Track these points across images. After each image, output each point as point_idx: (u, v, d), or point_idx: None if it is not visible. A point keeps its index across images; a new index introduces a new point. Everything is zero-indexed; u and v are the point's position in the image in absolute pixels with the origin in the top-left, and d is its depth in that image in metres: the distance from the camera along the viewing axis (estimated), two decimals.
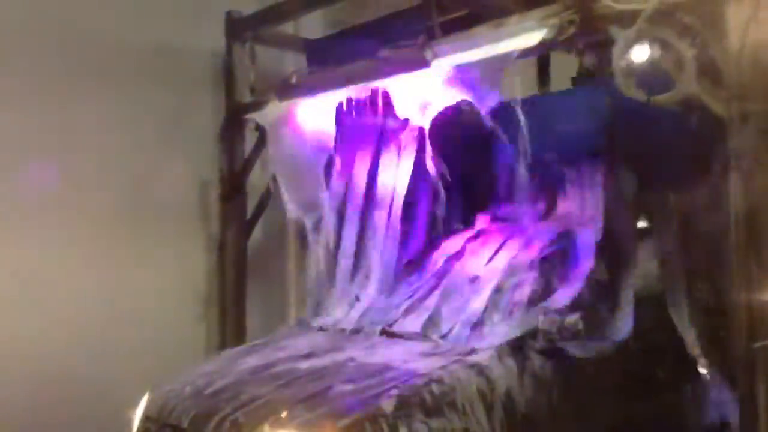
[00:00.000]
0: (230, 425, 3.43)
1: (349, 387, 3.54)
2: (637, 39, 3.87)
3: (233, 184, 6.63)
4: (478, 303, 4.29)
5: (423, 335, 4.23)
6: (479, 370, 3.73)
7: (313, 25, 6.87)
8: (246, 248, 6.68)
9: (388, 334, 4.32)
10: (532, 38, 4.12)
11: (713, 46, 3.79)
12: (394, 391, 3.44)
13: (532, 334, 3.98)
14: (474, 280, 4.53)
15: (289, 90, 5.40)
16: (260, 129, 6.13)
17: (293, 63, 6.64)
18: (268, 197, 6.60)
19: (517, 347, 3.95)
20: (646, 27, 3.83)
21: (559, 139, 4.47)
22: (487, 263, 4.60)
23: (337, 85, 4.97)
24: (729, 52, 3.73)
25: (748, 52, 3.70)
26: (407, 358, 3.85)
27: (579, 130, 4.48)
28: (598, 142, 4.47)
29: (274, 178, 6.30)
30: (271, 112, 5.71)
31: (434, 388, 3.53)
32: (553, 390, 3.98)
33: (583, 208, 4.68)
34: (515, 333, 4.02)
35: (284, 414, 3.37)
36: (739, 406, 3.72)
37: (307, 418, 3.33)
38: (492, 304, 4.24)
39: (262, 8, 6.46)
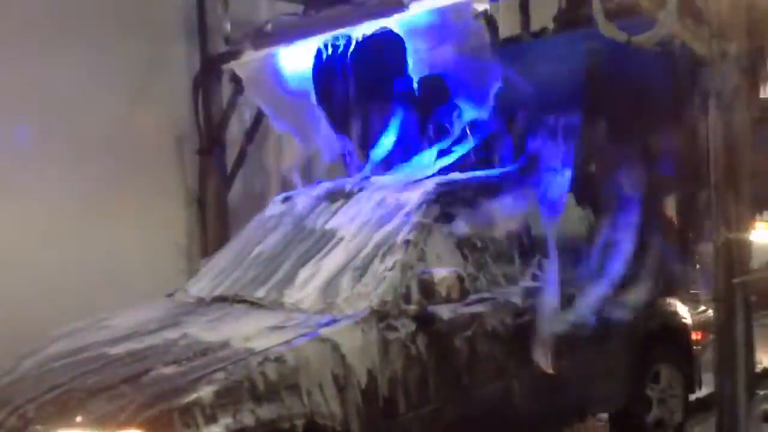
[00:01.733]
0: (17, 419, 2.95)
1: (169, 370, 3.02)
2: None
3: (211, 137, 6.53)
4: (340, 263, 3.77)
5: (281, 303, 3.67)
6: (333, 345, 3.24)
7: None
8: (227, 202, 6.62)
9: (242, 302, 3.81)
10: None
11: None
12: (220, 375, 2.94)
13: (404, 297, 3.54)
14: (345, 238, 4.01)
15: (264, 38, 5.28)
16: (236, 79, 6.00)
17: (268, 10, 6.49)
18: (247, 149, 6.55)
19: (382, 315, 3.44)
20: None
21: (539, 85, 4.40)
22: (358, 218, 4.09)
23: (313, 32, 4.87)
24: None
25: None
26: (252, 332, 3.31)
27: (558, 76, 4.42)
28: (576, 87, 4.40)
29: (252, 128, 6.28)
30: (246, 61, 5.57)
31: (270, 369, 3.02)
32: (427, 365, 3.55)
33: (552, 155, 4.51)
34: (383, 298, 3.49)
35: (78, 409, 2.89)
36: (717, 341, 3.79)
37: (104, 412, 2.82)
38: (361, 265, 3.69)
39: None
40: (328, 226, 4.09)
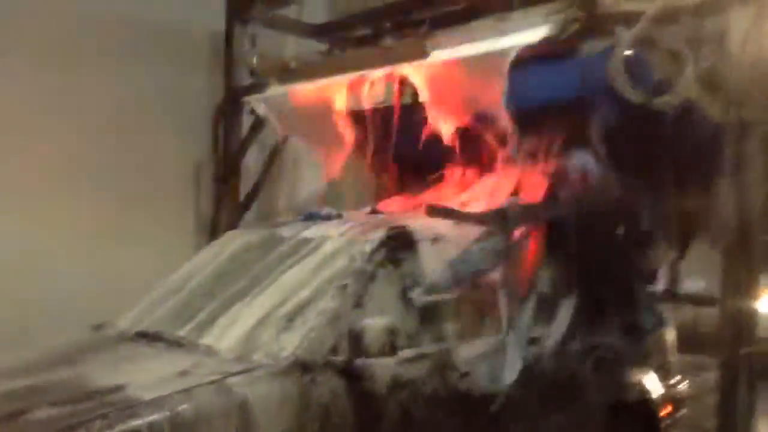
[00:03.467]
0: None
1: (44, 413, 2.68)
2: (639, 40, 3.88)
3: (229, 166, 6.62)
4: (270, 307, 3.46)
5: (198, 345, 3.35)
6: (242, 399, 2.84)
7: (316, 10, 6.86)
8: None
9: (161, 339, 3.50)
10: (535, 34, 4.11)
11: (714, 52, 3.81)
12: (98, 423, 2.58)
13: (332, 350, 3.17)
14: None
15: (289, 74, 5.38)
16: (257, 112, 6.09)
17: (294, 46, 6.62)
18: (264, 180, 6.63)
19: (305, 368, 3.07)
20: (649, 28, 3.83)
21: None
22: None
23: (337, 71, 4.95)
24: (730, 59, 3.74)
25: (748, 59, 3.71)
26: (154, 377, 2.96)
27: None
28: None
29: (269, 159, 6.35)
30: (270, 95, 5.67)
31: (160, 421, 2.64)
32: (353, 430, 3.16)
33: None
34: (308, 348, 3.13)
35: None
36: (718, 410, 3.75)
37: None
38: (290, 311, 3.38)
39: None
40: (265, 266, 3.78)
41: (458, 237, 3.95)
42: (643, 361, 4.62)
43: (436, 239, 3.86)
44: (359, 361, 3.19)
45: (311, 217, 4.35)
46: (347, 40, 6.14)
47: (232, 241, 4.31)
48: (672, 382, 4.86)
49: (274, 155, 6.50)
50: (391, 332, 3.23)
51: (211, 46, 6.82)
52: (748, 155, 3.72)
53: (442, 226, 4.03)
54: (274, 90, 5.70)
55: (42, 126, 5.74)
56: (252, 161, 6.83)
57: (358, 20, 6.15)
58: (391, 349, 3.23)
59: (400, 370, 3.36)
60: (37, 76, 5.71)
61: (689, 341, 6.49)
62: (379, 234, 3.72)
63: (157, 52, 6.40)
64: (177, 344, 3.42)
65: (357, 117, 4.89)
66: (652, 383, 4.61)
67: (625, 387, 4.48)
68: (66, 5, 5.86)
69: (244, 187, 6.70)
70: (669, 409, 4.68)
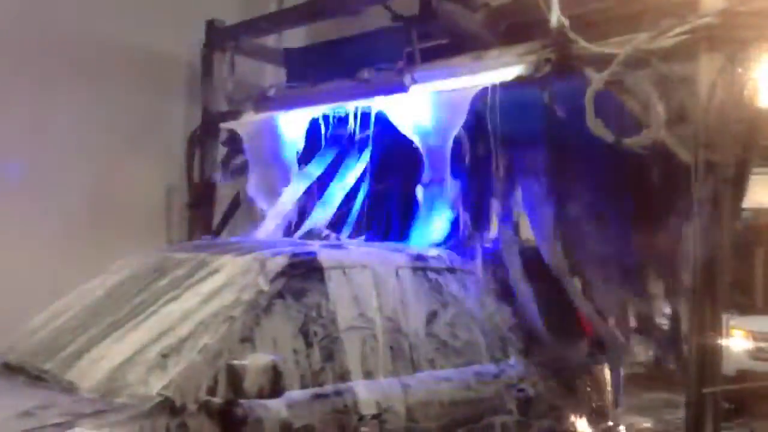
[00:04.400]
0: None
1: None
2: (610, 82, 3.97)
3: (203, 192, 6.59)
4: (147, 340, 3.13)
5: (61, 380, 3.05)
6: None
7: (295, 39, 6.91)
8: None
9: (24, 373, 3.18)
10: (509, 73, 4.19)
11: (683, 95, 3.90)
12: None
13: (210, 390, 2.88)
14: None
15: (266, 102, 5.41)
16: (229, 139, 6.11)
17: (272, 75, 6.66)
18: (237, 205, 6.60)
19: (175, 410, 2.76)
20: (619, 71, 3.92)
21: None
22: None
23: (315, 102, 5.00)
24: (698, 102, 3.84)
25: (716, 103, 3.81)
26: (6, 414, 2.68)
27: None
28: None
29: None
30: (245, 122, 5.69)
31: None
32: None
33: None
34: (180, 387, 2.83)
35: None
36: None
37: None
38: (168, 345, 3.05)
39: (244, 19, 6.47)
40: (152, 293, 3.46)
41: (379, 266, 3.72)
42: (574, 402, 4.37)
43: (350, 267, 3.60)
44: (246, 404, 2.89)
45: (309, 236, 4.37)
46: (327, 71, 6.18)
47: (129, 265, 3.95)
48: (608, 424, 4.59)
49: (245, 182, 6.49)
50: (274, 371, 2.87)
51: (189, 72, 6.83)
52: (714, 196, 3.80)
53: (363, 253, 3.83)
54: (250, 118, 5.72)
55: (13, 147, 5.68)
56: (226, 188, 6.81)
57: (336, 50, 6.19)
58: (274, 390, 2.88)
59: (292, 413, 3.04)
60: (10, 96, 5.67)
61: (660, 379, 6.59)
62: (280, 261, 3.38)
63: (134, 77, 6.41)
64: (39, 379, 3.10)
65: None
66: (582, 426, 4.35)
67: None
68: (44, 28, 5.84)
69: (218, 214, 6.67)
70: None
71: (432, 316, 3.83)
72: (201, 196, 6.60)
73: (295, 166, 5.24)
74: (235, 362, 2.88)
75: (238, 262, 3.46)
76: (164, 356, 2.98)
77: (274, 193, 5.30)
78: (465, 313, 4.01)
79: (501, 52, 4.30)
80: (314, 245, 3.86)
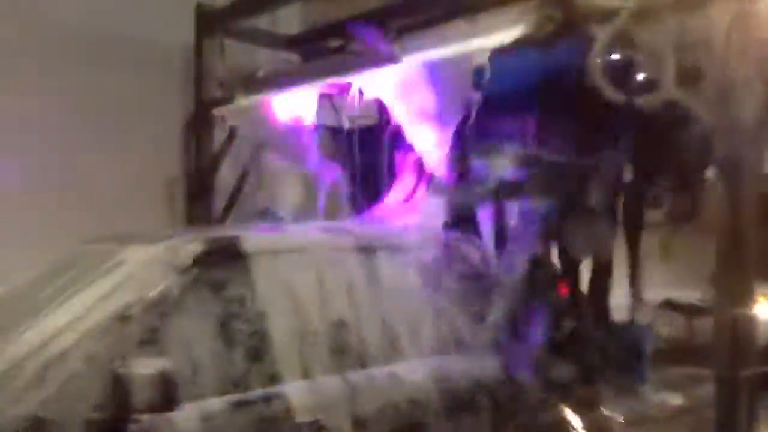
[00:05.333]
0: None
1: None
2: (618, 38, 3.67)
3: (201, 182, 6.38)
4: (27, 349, 2.70)
5: None
6: None
7: (288, 21, 6.66)
8: None
9: None
10: (508, 34, 3.90)
11: (697, 48, 3.60)
12: None
13: (96, 403, 2.50)
14: None
15: (256, 84, 5.17)
16: (228, 125, 5.90)
17: (265, 58, 6.41)
18: (238, 195, 6.40)
19: (43, 428, 2.43)
20: (628, 26, 3.63)
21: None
22: None
23: (306, 80, 4.75)
24: (713, 55, 3.53)
25: (733, 54, 3.51)
26: None
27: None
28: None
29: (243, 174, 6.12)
30: (238, 106, 5.47)
31: None
32: None
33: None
34: (56, 402, 2.47)
35: None
36: (717, 427, 3.50)
37: None
38: (50, 353, 2.63)
39: (233, 1, 6.23)
40: (47, 296, 3.03)
41: (322, 250, 3.27)
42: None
43: (281, 252, 3.14)
44: (146, 419, 2.48)
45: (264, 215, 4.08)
46: (320, 51, 5.93)
47: (54, 260, 3.53)
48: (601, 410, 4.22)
49: (248, 168, 6.27)
50: (164, 378, 2.47)
51: (184, 58, 6.61)
52: (735, 158, 3.50)
53: (303, 236, 3.40)
54: (243, 101, 5.50)
55: (7, 138, 5.51)
56: (227, 175, 6.61)
57: (331, 31, 5.94)
58: (167, 401, 2.48)
59: (206, 427, 2.65)
60: (1, 84, 5.50)
61: (685, 353, 6.28)
62: (192, 249, 2.93)
63: (127, 65, 6.20)
64: None
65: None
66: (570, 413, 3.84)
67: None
68: (36, 16, 5.69)
69: (220, 203, 6.47)
70: None
71: (389, 305, 3.32)
72: (199, 186, 6.38)
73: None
74: (121, 371, 2.48)
75: (144, 252, 3.01)
76: (46, 368, 2.56)
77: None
78: (429, 301, 3.48)
79: (498, 12, 4.00)
80: (247, 228, 3.50)
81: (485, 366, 3.50)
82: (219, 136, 6.30)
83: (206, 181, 6.37)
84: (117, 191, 6.13)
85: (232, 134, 5.98)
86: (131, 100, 6.20)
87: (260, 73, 5.21)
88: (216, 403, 2.72)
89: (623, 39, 3.69)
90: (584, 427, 3.65)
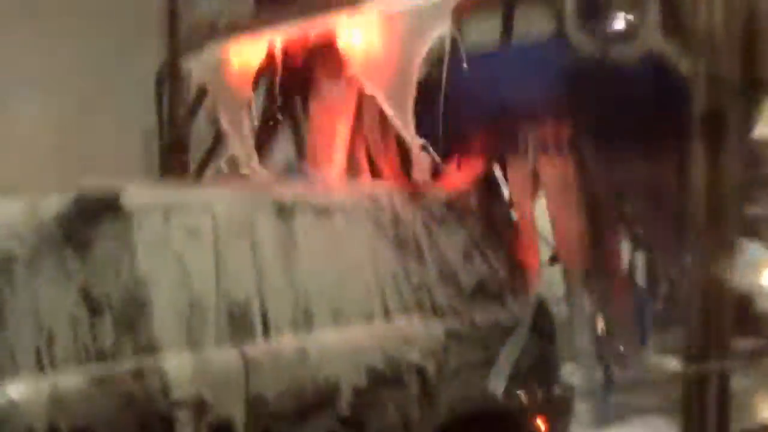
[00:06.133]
0: None
1: None
2: None
3: (175, 134, 6.12)
4: None
5: None
6: None
7: None
8: None
9: None
10: None
11: None
12: None
13: None
14: None
15: (217, 33, 4.87)
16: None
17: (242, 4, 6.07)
18: (216, 148, 6.15)
19: None
20: None
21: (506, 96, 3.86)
22: None
23: (265, 26, 4.43)
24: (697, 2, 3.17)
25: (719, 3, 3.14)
26: None
27: (530, 87, 3.86)
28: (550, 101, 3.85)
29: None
30: (205, 56, 5.17)
31: None
32: None
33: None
34: None
35: None
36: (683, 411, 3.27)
37: None
38: None
39: None
40: None
41: (229, 208, 2.89)
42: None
43: (174, 211, 2.77)
44: None
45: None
46: None
47: None
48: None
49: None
50: None
51: (158, 6, 6.29)
52: (719, 114, 3.17)
53: (206, 193, 3.06)
54: (210, 52, 5.19)
55: None
56: (205, 127, 6.35)
57: None
58: None
59: (58, 407, 2.37)
60: None
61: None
62: (56, 204, 2.59)
63: (97, 12, 5.95)
64: None
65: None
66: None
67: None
68: None
69: (197, 156, 6.23)
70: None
71: (307, 274, 2.98)
72: (173, 139, 6.13)
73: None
74: None
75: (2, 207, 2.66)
76: None
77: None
78: (350, 261, 3.12)
79: None
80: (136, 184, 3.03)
81: (418, 335, 3.16)
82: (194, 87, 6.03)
83: (180, 134, 6.11)
84: (90, 142, 5.96)
85: (203, 87, 5.68)
86: (105, 48, 5.99)
87: (221, 22, 4.89)
88: (70, 379, 2.43)
89: None
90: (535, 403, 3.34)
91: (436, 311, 3.23)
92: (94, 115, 6.01)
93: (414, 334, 3.15)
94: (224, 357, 2.74)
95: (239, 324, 2.78)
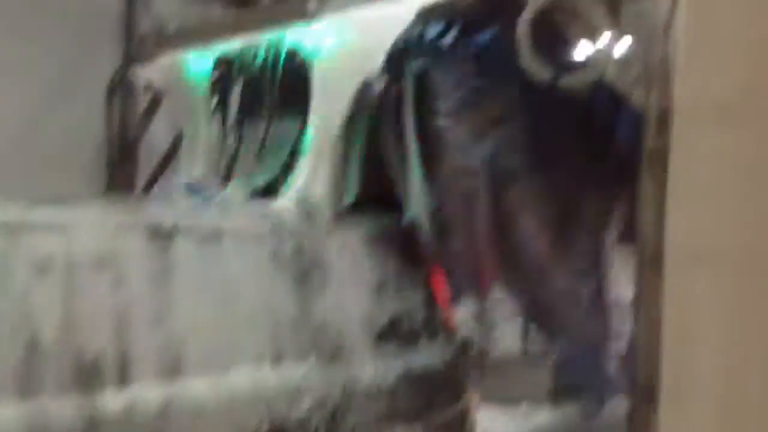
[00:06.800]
0: None
1: None
2: (549, 3, 3.22)
3: (123, 148, 5.92)
4: None
5: None
6: None
7: None
8: None
9: None
10: None
11: (635, 24, 3.14)
12: None
13: None
14: None
15: (167, 40, 4.72)
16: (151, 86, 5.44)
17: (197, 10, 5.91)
18: (166, 165, 5.93)
19: None
20: None
21: None
22: None
23: (216, 36, 4.29)
24: (654, 34, 3.07)
25: (677, 32, 3.05)
26: None
27: None
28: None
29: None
30: (158, 65, 5.01)
31: None
32: None
33: None
34: None
35: None
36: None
37: None
38: None
39: None
40: None
41: (87, 229, 2.53)
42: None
43: (18, 232, 2.39)
44: None
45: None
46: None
47: None
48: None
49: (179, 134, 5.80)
50: None
51: (115, 11, 6.13)
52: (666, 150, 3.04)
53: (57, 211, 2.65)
54: (165, 59, 5.03)
55: None
56: (159, 143, 6.14)
57: None
58: None
59: None
60: None
61: None
62: None
63: (52, 14, 5.74)
64: None
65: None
66: None
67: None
68: None
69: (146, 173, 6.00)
70: None
71: (180, 308, 2.65)
72: (122, 153, 5.92)
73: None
74: None
75: None
76: None
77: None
78: (237, 297, 2.81)
79: None
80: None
81: (311, 385, 2.82)
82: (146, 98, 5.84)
83: (129, 148, 5.90)
84: (37, 151, 5.69)
85: (156, 97, 5.50)
86: (58, 53, 5.75)
87: (171, 29, 4.74)
88: None
89: (556, 6, 3.24)
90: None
91: (336, 356, 2.91)
92: (39, 124, 5.74)
93: (306, 385, 2.80)
94: (64, 410, 2.37)
95: (88, 372, 2.42)
